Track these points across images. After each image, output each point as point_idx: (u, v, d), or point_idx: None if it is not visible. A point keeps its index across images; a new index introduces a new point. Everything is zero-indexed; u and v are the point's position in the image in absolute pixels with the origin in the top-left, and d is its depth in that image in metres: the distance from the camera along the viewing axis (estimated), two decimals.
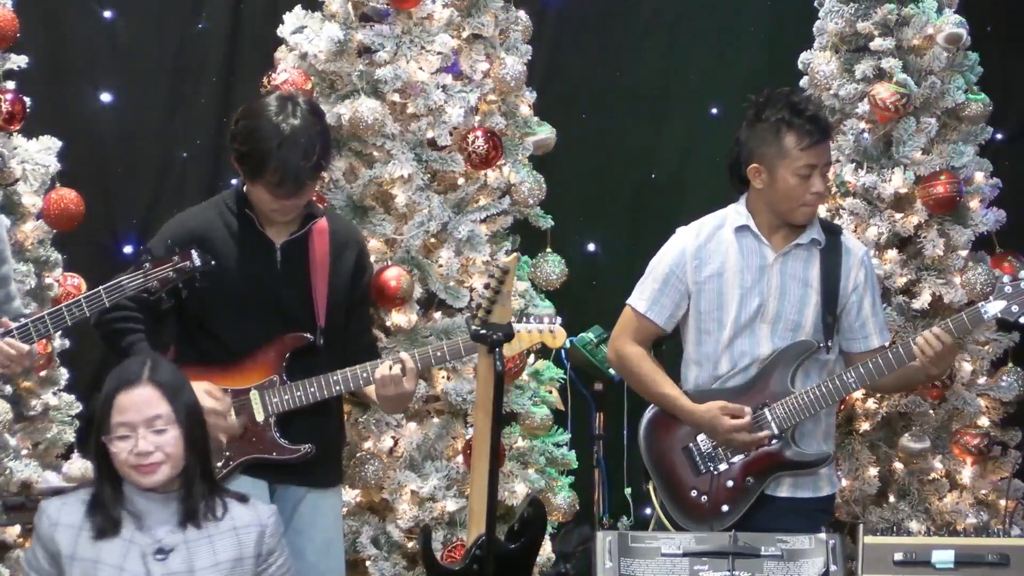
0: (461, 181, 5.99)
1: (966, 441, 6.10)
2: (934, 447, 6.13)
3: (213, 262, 4.57)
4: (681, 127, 7.22)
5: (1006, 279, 4.89)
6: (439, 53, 5.89)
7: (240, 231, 4.83)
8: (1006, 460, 6.20)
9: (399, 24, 5.92)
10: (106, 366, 6.13)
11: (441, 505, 5.80)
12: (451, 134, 5.91)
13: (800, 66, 6.33)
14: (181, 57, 6.97)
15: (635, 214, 7.18)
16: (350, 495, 5.80)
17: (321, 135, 4.76)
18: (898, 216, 6.12)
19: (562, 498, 6.02)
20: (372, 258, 5.46)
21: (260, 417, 4.81)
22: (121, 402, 3.99)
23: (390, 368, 4.80)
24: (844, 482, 6.09)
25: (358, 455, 5.81)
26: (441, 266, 5.88)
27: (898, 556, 4.61)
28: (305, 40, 5.94)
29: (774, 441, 4.90)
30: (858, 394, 6.10)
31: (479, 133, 5.87)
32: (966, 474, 6.13)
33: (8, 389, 5.78)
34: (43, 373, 5.88)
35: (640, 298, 5.07)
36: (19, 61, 5.92)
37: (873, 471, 6.11)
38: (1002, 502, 6.10)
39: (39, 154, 5.94)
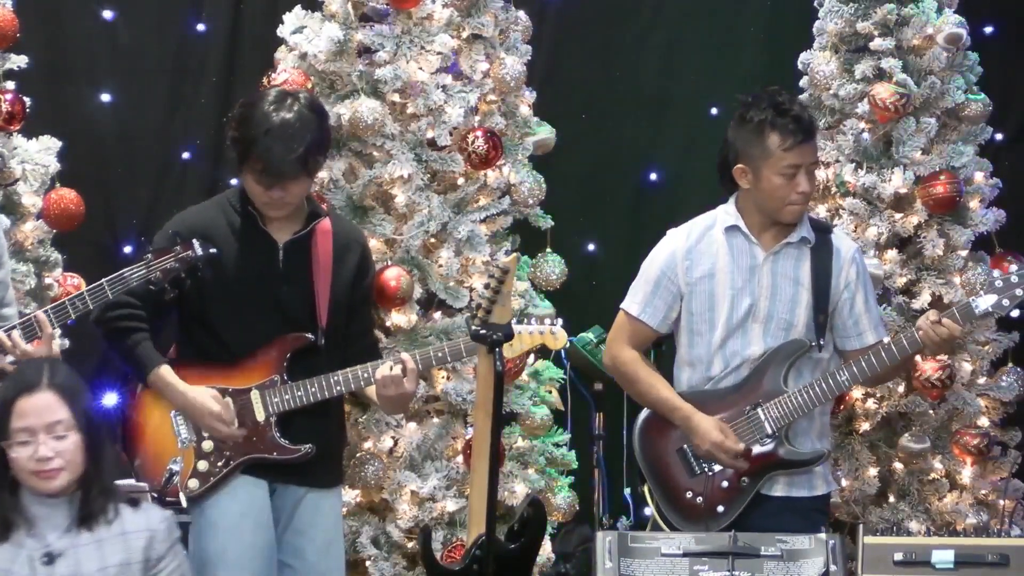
0: (461, 181, 5.99)
1: (966, 441, 6.10)
2: (934, 447, 6.13)
3: (215, 250, 4.58)
4: (681, 127, 7.22)
5: (996, 274, 4.90)
6: (439, 53, 5.89)
7: (243, 229, 4.83)
8: (1006, 460, 6.20)
9: (399, 24, 5.92)
10: (106, 366, 6.17)
11: (441, 505, 5.80)
12: (451, 134, 5.91)
13: (800, 66, 6.33)
14: (181, 57, 6.98)
15: (635, 214, 7.18)
16: (350, 495, 5.79)
17: (314, 132, 4.74)
18: (898, 216, 6.12)
19: (562, 498, 6.02)
20: (372, 259, 5.46)
21: (261, 417, 4.81)
22: (21, 407, 3.96)
23: (391, 368, 4.80)
24: (844, 482, 6.09)
25: (358, 455, 5.81)
26: (441, 266, 5.89)
27: (898, 556, 4.61)
28: (305, 40, 5.94)
29: (768, 441, 4.90)
30: (858, 394, 6.10)
31: (479, 133, 5.87)
32: (966, 474, 6.13)
33: None
34: None
35: (633, 301, 5.07)
36: (19, 61, 5.92)
37: (873, 471, 6.11)
38: (1002, 502, 6.10)
39: (39, 154, 5.94)
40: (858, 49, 6.22)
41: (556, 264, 6.14)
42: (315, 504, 4.89)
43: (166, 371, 4.77)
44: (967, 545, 4.64)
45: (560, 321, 5.07)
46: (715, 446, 4.87)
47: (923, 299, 6.09)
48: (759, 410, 4.90)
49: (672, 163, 7.24)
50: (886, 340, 4.96)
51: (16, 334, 4.44)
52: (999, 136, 6.57)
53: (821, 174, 6.13)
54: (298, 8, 6.05)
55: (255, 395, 4.81)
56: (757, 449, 4.91)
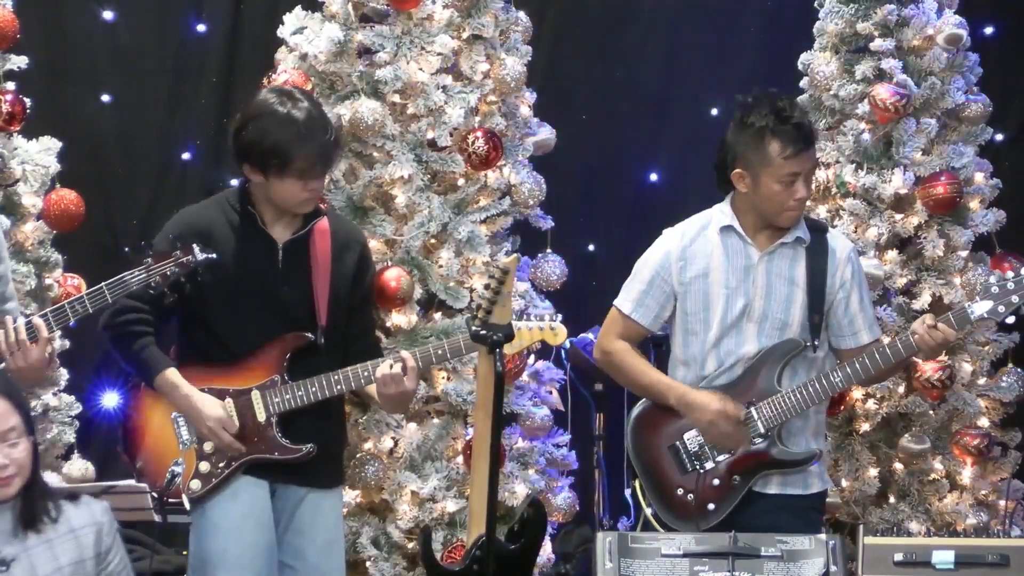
0: (461, 182, 5.99)
1: (966, 442, 6.10)
2: (934, 448, 6.13)
3: (215, 255, 4.58)
4: (681, 127, 7.22)
5: (993, 279, 4.88)
6: (439, 54, 5.90)
7: (243, 229, 4.83)
8: (1006, 460, 6.20)
9: (399, 25, 5.92)
10: (106, 366, 6.17)
11: (441, 506, 5.80)
12: (451, 135, 5.91)
13: (800, 67, 6.33)
14: (181, 57, 6.98)
15: (635, 214, 7.18)
16: (350, 496, 5.80)
17: (326, 114, 4.85)
18: (898, 217, 6.13)
19: (562, 499, 6.02)
20: (372, 259, 5.46)
21: (262, 417, 4.81)
22: None
23: (391, 367, 4.80)
24: (844, 483, 6.09)
25: (358, 456, 5.81)
26: (441, 267, 5.89)
27: (898, 557, 4.62)
28: (305, 41, 5.94)
29: (760, 440, 4.90)
30: (858, 395, 6.10)
31: (479, 134, 5.87)
32: (966, 475, 6.13)
33: None
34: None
35: (625, 299, 5.07)
36: (19, 62, 5.93)
37: (873, 472, 6.12)
38: (1002, 502, 6.10)
39: (39, 155, 5.94)
40: (858, 50, 6.22)
41: (556, 264, 6.14)
42: (316, 505, 4.89)
43: (172, 374, 4.77)
44: (967, 546, 4.64)
45: (560, 316, 5.07)
46: (717, 414, 4.86)
47: (923, 300, 6.09)
48: (752, 409, 4.90)
49: (672, 163, 7.24)
50: (886, 340, 4.97)
51: (21, 321, 4.42)
52: (999, 136, 6.57)
53: (821, 175, 6.14)
54: (298, 9, 6.06)
55: (255, 395, 4.81)
56: (749, 448, 4.91)
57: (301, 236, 4.86)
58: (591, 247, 7.20)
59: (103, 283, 4.49)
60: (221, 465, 4.78)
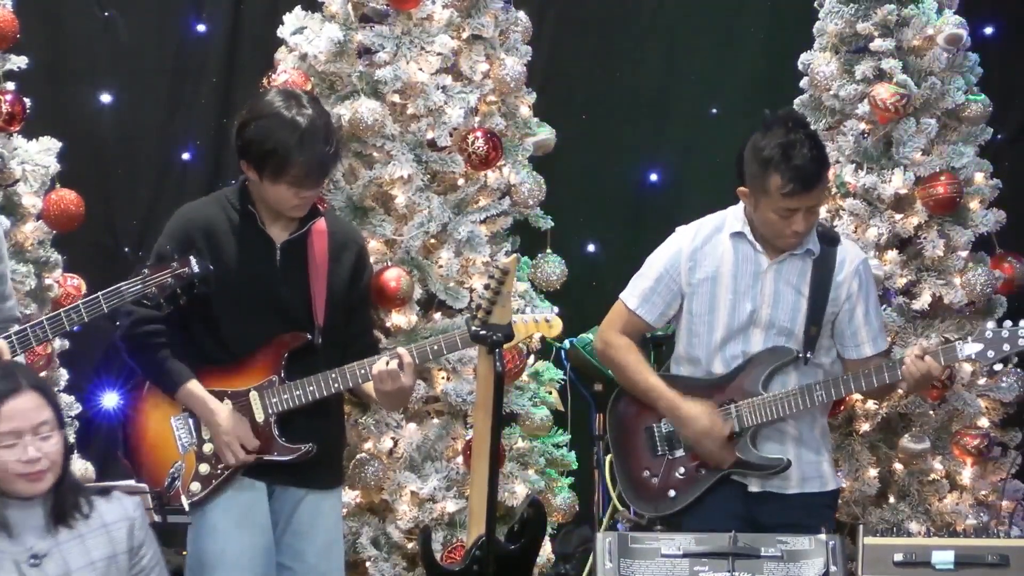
0: (461, 182, 5.99)
1: (966, 442, 6.10)
2: (934, 448, 6.12)
3: (211, 268, 4.58)
4: (681, 128, 7.22)
5: (989, 325, 5.00)
6: (439, 54, 5.89)
7: (242, 228, 4.84)
8: (1006, 461, 6.20)
9: (399, 25, 5.92)
10: (106, 367, 6.17)
11: (441, 506, 5.80)
12: (451, 135, 5.91)
13: (800, 67, 6.32)
14: (181, 57, 6.98)
15: (635, 215, 7.19)
16: (350, 496, 5.79)
17: (330, 123, 4.84)
18: (898, 217, 6.12)
19: (562, 499, 6.02)
20: (372, 259, 5.46)
21: (260, 418, 4.81)
22: (7, 410, 3.92)
23: (387, 363, 4.80)
24: (844, 483, 6.09)
25: (358, 456, 5.81)
26: (441, 267, 5.89)
27: (898, 557, 4.62)
28: (305, 41, 5.94)
29: (734, 438, 4.94)
30: (858, 395, 6.09)
31: (479, 134, 5.87)
32: (966, 475, 6.12)
33: None
34: (43, 374, 5.87)
35: (632, 294, 5.09)
36: (19, 61, 5.92)
37: (873, 472, 6.11)
38: (1002, 503, 6.10)
39: (39, 155, 5.93)
40: (858, 50, 6.21)
41: (556, 264, 6.13)
42: (315, 505, 4.89)
43: (195, 386, 4.79)
44: (967, 546, 4.65)
45: (555, 309, 5.08)
46: (703, 434, 4.90)
47: (923, 300, 6.09)
48: (732, 406, 4.93)
49: (672, 164, 7.24)
50: (889, 352, 5.01)
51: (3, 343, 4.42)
52: (999, 137, 6.56)
53: None
54: (298, 9, 6.05)
55: (254, 396, 4.81)
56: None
57: (299, 236, 4.86)
58: (591, 247, 7.20)
59: (99, 293, 4.49)
60: (221, 467, 4.79)
